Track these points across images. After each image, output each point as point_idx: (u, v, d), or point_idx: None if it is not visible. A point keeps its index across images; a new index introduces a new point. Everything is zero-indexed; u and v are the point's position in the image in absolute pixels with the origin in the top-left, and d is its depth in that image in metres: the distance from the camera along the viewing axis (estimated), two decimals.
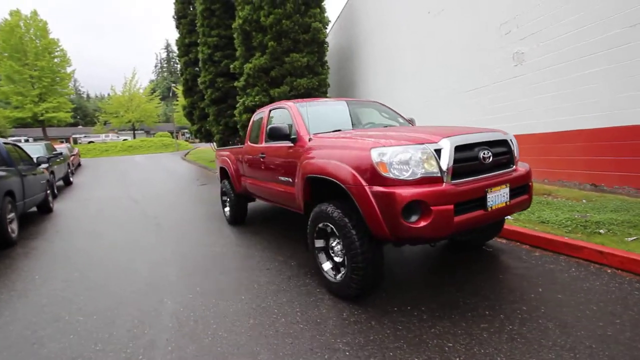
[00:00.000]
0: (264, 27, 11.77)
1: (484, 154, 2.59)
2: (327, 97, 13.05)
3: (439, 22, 8.08)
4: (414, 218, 2.28)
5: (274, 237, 4.64)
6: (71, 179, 12.96)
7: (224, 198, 5.89)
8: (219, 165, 5.93)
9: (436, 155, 2.39)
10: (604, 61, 4.87)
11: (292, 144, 3.46)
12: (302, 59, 11.56)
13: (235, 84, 12.87)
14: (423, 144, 2.42)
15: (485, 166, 2.63)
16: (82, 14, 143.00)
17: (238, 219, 5.49)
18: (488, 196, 2.52)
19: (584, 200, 4.74)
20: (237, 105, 12.57)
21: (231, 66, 13.11)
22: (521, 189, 2.86)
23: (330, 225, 2.74)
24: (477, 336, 2.16)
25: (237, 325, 2.49)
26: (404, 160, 2.35)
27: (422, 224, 2.26)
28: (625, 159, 4.75)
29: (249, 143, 4.77)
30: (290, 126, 3.49)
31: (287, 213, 6.21)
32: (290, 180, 3.49)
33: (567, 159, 5.55)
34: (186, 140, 45.57)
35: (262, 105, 11.92)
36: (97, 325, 2.61)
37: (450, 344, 2.10)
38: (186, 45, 17.31)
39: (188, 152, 25.87)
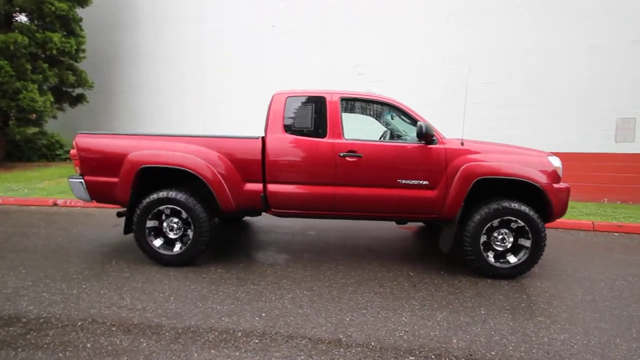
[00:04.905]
0: None
1: None
2: (81, 69, 9.10)
3: (286, 39, 8.50)
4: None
5: (304, 257, 3.62)
6: None
7: (152, 224, 3.42)
8: (140, 166, 3.32)
9: None
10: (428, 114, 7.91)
11: (427, 145, 3.31)
12: (54, 1, 7.46)
13: None
14: None
15: None
16: None
17: (206, 250, 3.51)
18: None
19: None
20: None
21: None
22: None
23: (516, 220, 3.23)
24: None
25: (477, 339, 2.48)
26: (561, 165, 3.48)
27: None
28: None
29: (286, 134, 3.37)
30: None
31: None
32: (427, 182, 3.30)
33: None
34: None
35: None
36: None
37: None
38: None
39: None
